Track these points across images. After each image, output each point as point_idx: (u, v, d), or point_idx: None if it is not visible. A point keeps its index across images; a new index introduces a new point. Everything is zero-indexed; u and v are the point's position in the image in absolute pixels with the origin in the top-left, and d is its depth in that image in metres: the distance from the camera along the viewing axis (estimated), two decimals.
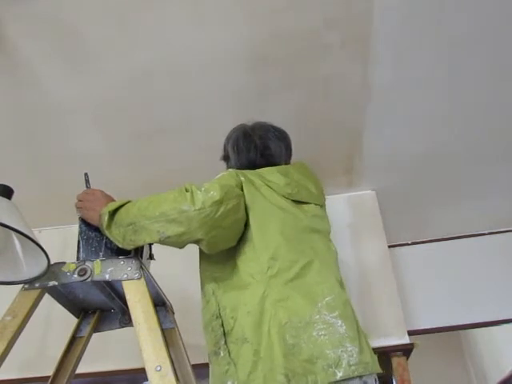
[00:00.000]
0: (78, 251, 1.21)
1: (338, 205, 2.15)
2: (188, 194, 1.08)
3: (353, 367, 0.99)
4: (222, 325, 1.11)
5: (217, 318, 1.13)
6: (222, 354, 1.08)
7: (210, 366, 1.14)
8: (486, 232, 2.55)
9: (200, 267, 1.29)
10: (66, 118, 1.70)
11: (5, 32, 1.38)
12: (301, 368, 0.99)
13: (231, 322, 1.09)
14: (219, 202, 1.08)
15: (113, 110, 1.68)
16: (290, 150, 1.47)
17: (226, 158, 1.47)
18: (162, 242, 1.11)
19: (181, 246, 1.15)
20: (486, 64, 1.58)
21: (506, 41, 1.50)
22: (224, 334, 1.10)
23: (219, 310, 1.14)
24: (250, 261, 1.15)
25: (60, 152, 1.84)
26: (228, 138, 1.46)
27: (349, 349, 1.02)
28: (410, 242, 2.60)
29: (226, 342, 1.09)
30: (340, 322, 1.05)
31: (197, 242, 1.13)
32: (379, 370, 1.08)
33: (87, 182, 1.31)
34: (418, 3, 1.38)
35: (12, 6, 1.32)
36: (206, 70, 1.56)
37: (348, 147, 1.94)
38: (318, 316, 1.05)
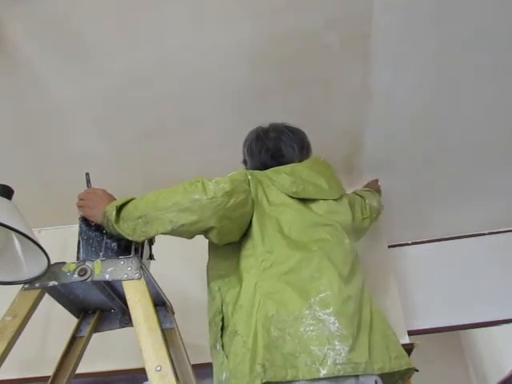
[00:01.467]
0: (78, 251, 1.21)
1: None
2: (199, 184, 1.12)
3: (339, 366, 0.96)
4: (222, 319, 1.13)
5: (219, 313, 1.14)
6: (217, 348, 1.11)
7: (212, 359, 1.17)
8: (485, 232, 2.55)
9: (208, 265, 1.30)
10: (66, 118, 1.70)
11: (5, 32, 1.38)
12: (282, 360, 0.98)
13: (229, 317, 1.11)
14: (230, 194, 1.11)
15: (113, 110, 1.68)
16: (307, 149, 1.49)
17: (244, 161, 1.51)
18: (175, 231, 1.13)
19: (191, 235, 1.18)
20: (486, 64, 1.58)
21: (507, 41, 1.50)
22: (222, 328, 1.12)
23: (222, 306, 1.15)
24: (249, 256, 1.17)
25: (60, 152, 1.84)
26: (244, 142, 1.49)
27: (337, 347, 0.99)
28: (409, 242, 2.59)
29: (222, 336, 1.11)
30: (333, 319, 1.03)
31: (208, 231, 1.15)
32: (383, 370, 1.03)
33: (88, 181, 1.31)
34: (418, 3, 1.38)
35: (12, 5, 1.32)
36: (206, 70, 1.56)
37: (348, 147, 1.94)
38: (308, 311, 1.04)
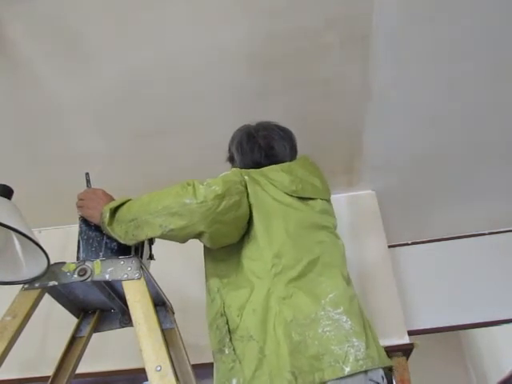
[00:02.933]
0: (78, 251, 1.21)
1: (338, 205, 2.13)
2: (190, 188, 1.10)
3: (360, 362, 0.99)
4: (227, 322, 1.11)
5: (221, 315, 1.13)
6: (226, 352, 1.08)
7: (215, 363, 1.14)
8: (485, 232, 2.55)
9: (205, 265, 1.29)
10: (66, 118, 1.70)
11: (5, 32, 1.38)
12: (308, 365, 0.99)
13: (237, 320, 1.09)
14: (221, 197, 1.09)
15: (113, 110, 1.68)
16: (295, 149, 1.47)
17: (230, 159, 1.48)
18: (165, 235, 1.12)
19: (182, 240, 1.16)
20: (486, 64, 1.58)
21: (506, 41, 1.50)
22: (229, 331, 1.10)
23: (224, 307, 1.14)
24: (255, 259, 1.15)
25: (60, 152, 1.84)
26: (232, 139, 1.47)
27: (355, 343, 1.01)
28: (409, 242, 2.60)
29: (231, 340, 1.09)
30: (345, 317, 1.05)
31: (199, 235, 1.13)
32: (386, 364, 1.07)
33: (88, 181, 1.31)
34: (418, 3, 1.38)
35: (12, 5, 1.32)
36: (205, 70, 1.56)
37: (348, 147, 1.94)
38: (323, 312, 1.05)
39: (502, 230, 2.54)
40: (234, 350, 1.07)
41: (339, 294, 1.10)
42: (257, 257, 1.15)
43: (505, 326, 2.36)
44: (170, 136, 1.81)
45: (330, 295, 1.09)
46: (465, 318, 2.34)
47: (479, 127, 1.86)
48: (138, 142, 1.82)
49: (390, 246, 2.15)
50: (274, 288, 1.09)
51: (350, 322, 1.05)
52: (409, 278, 2.42)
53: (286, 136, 1.44)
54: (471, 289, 2.39)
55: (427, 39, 1.49)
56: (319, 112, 1.75)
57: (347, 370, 0.97)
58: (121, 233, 1.14)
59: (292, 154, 1.44)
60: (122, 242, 1.16)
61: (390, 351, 1.82)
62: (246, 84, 1.62)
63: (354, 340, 1.02)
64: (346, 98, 1.69)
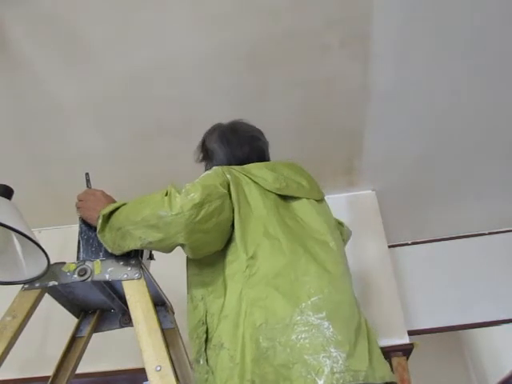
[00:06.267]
0: (78, 251, 1.20)
1: (338, 205, 2.14)
2: (166, 199, 1.02)
3: (337, 375, 0.88)
4: (207, 331, 1.05)
5: (202, 324, 1.06)
6: (201, 362, 1.02)
7: (193, 374, 1.10)
8: (485, 232, 2.55)
9: (188, 270, 1.21)
10: (66, 118, 1.70)
11: (5, 32, 1.38)
12: (273, 374, 0.89)
13: (214, 329, 1.03)
14: (199, 205, 1.01)
15: (113, 110, 1.68)
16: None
17: (206, 157, 1.37)
18: (144, 247, 1.08)
19: (166, 250, 1.11)
20: (485, 64, 1.58)
21: (506, 41, 1.50)
22: (206, 340, 1.04)
23: (206, 316, 1.07)
24: (233, 262, 1.08)
25: (60, 152, 1.84)
26: (209, 136, 1.37)
27: (333, 354, 0.90)
28: (409, 242, 2.60)
29: (205, 349, 1.03)
30: (327, 323, 0.95)
31: (181, 246, 1.07)
32: (379, 380, 0.93)
33: (88, 181, 1.31)
34: (418, 3, 1.38)
35: (12, 6, 1.32)
36: (205, 69, 1.56)
37: (348, 147, 1.94)
38: (299, 317, 0.95)
39: (502, 230, 2.54)
40: (207, 360, 1.01)
41: (323, 298, 0.99)
42: (235, 259, 1.08)
43: (505, 325, 2.36)
44: (169, 136, 1.81)
45: (313, 298, 0.99)
46: (465, 318, 2.34)
47: (479, 127, 1.86)
48: (138, 142, 1.82)
49: (390, 246, 2.15)
50: (248, 290, 1.01)
51: (331, 329, 0.94)
52: (409, 278, 2.42)
53: (261, 132, 1.38)
54: (471, 289, 2.39)
55: (427, 39, 1.49)
56: (319, 112, 1.75)
57: (320, 383, 0.86)
58: (110, 241, 1.11)
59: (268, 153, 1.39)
60: (109, 251, 1.13)
61: (390, 351, 1.83)
62: (245, 84, 1.62)
63: (332, 350, 0.91)
64: (346, 98, 1.69)
